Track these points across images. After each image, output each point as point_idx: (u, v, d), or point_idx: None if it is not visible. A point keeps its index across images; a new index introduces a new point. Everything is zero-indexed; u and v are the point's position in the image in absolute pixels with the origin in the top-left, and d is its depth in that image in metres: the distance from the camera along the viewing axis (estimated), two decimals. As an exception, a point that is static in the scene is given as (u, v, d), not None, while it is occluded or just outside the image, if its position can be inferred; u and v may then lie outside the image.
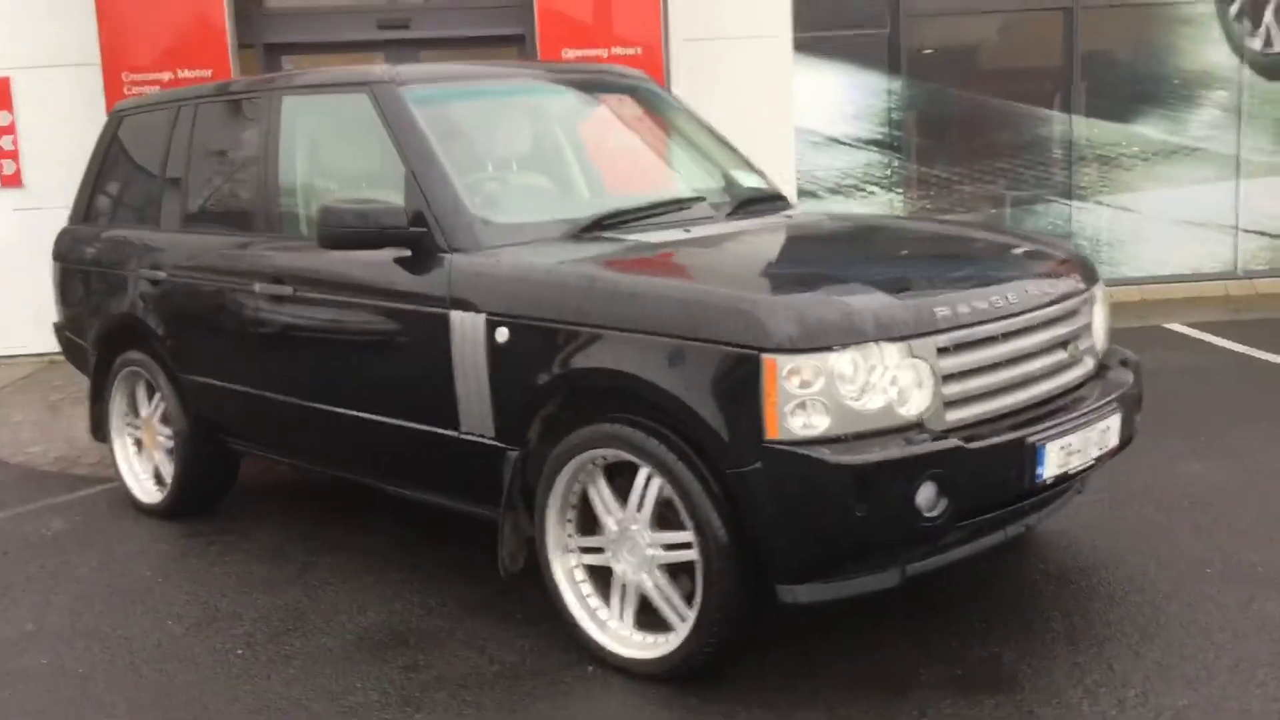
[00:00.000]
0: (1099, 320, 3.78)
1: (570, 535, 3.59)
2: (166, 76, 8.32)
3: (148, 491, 5.27)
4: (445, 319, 3.75)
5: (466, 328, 3.69)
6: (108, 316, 5.26)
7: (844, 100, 9.36)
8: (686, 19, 8.72)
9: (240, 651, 3.78)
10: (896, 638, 3.61)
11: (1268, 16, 9.38)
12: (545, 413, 3.57)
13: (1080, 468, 3.40)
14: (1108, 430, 3.50)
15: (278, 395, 4.42)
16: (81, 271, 5.51)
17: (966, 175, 9.53)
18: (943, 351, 3.16)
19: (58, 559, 4.74)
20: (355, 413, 4.11)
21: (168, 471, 5.15)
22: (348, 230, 3.84)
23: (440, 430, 3.84)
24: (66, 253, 5.63)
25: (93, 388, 5.46)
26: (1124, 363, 3.89)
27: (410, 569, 4.36)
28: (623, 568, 3.45)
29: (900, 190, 9.55)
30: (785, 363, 3.02)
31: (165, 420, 5.10)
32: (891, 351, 3.08)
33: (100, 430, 5.52)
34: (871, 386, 3.07)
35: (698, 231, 3.99)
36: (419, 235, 3.84)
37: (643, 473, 3.34)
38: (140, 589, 4.35)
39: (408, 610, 4.02)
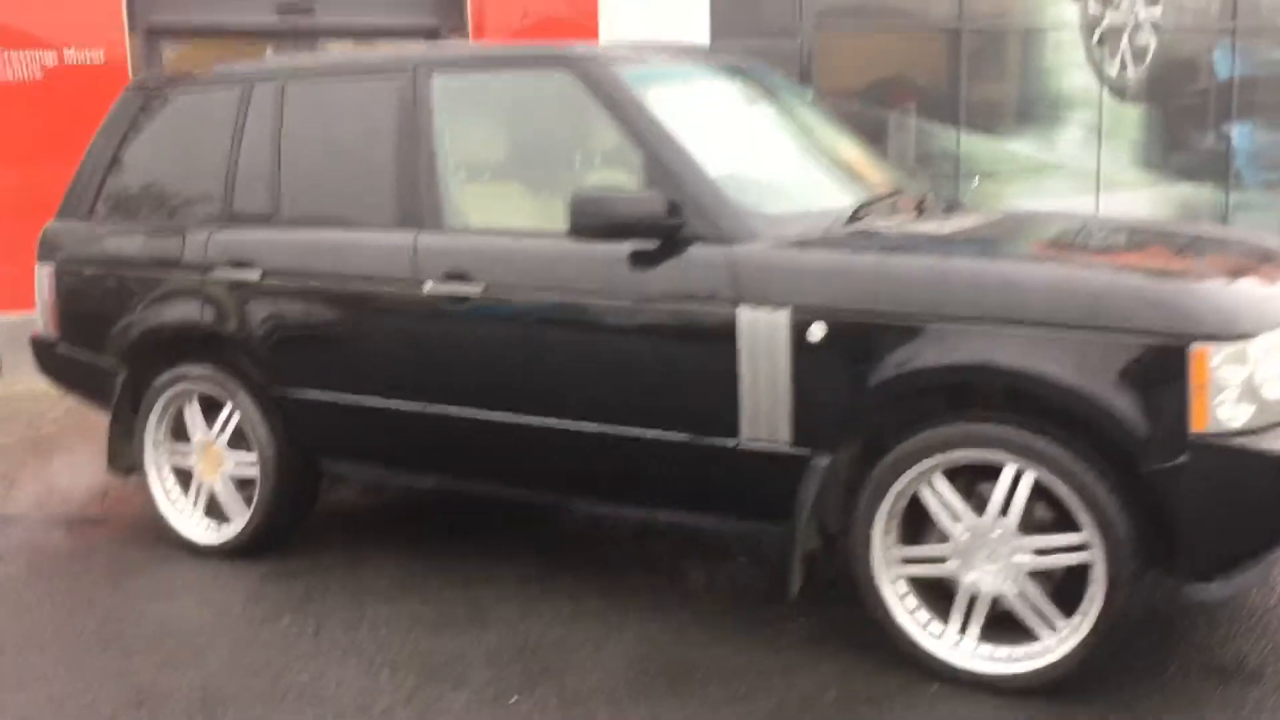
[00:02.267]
0: None
1: (893, 546, 3.33)
2: (50, 57, 7.27)
3: (203, 529, 4.52)
4: (726, 317, 3.40)
5: (760, 326, 3.36)
6: (150, 327, 4.47)
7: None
8: (615, 18, 8.47)
9: (515, 698, 3.28)
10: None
11: (1123, 43, 10.13)
12: (872, 414, 3.30)
13: None
14: None
15: (450, 409, 3.88)
16: (95, 275, 4.67)
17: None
18: None
19: (163, 636, 3.97)
20: (575, 424, 3.67)
21: (232, 503, 4.43)
22: (604, 219, 3.44)
23: (708, 440, 3.48)
24: (66, 253, 4.76)
25: (114, 410, 4.63)
26: None
27: (603, 595, 3.93)
28: (975, 577, 3.22)
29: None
30: (1216, 351, 2.91)
31: (237, 443, 4.40)
32: None
33: (120, 460, 4.69)
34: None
35: (957, 222, 3.83)
36: (675, 226, 3.48)
37: (1008, 473, 3.13)
38: (286, 661, 3.69)
39: (661, 639, 3.61)
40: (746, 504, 3.53)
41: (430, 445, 4.02)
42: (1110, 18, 10.06)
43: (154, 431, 4.58)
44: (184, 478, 4.59)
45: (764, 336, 3.36)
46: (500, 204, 3.98)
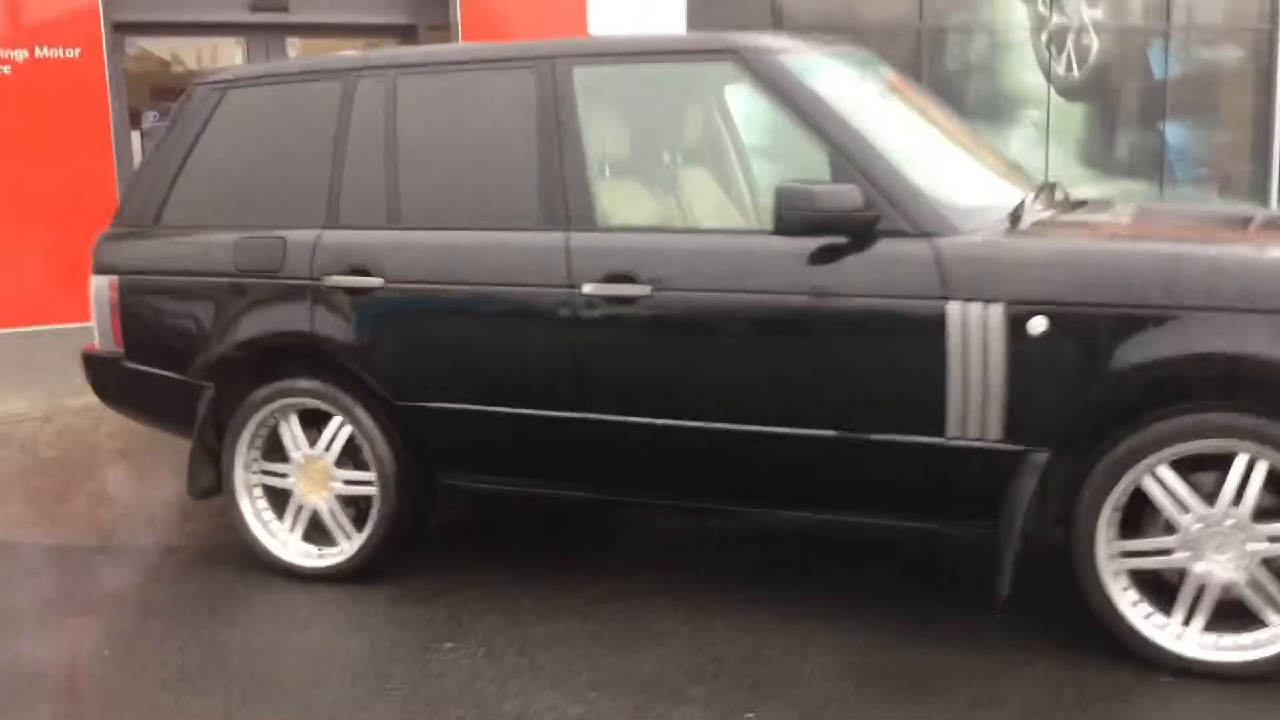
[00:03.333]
0: None
1: (1113, 540, 3.30)
2: (21, 55, 6.78)
3: (302, 552, 4.23)
4: (932, 312, 3.33)
5: (972, 320, 3.29)
6: (245, 339, 4.17)
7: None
8: (603, 14, 8.33)
9: (750, 715, 3.14)
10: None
11: (1069, 44, 10.42)
12: (1099, 408, 3.26)
13: None
14: None
15: (612, 416, 3.70)
16: (170, 285, 4.34)
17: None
18: None
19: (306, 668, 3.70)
20: (756, 428, 3.54)
21: (339, 525, 4.17)
22: (810, 214, 3.33)
23: (910, 438, 3.40)
24: (131, 263, 4.41)
25: (199, 429, 4.30)
26: None
27: (772, 602, 3.81)
28: (1206, 567, 3.22)
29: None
30: None
31: (348, 460, 4.13)
32: None
33: (200, 483, 4.37)
34: None
35: (1125, 212, 3.83)
36: (871, 220, 3.39)
37: (1241, 461, 3.14)
38: (480, 688, 3.44)
39: (862, 645, 3.51)
40: (948, 504, 3.46)
41: (584, 455, 3.83)
42: (1057, 19, 10.33)
43: (245, 451, 4.27)
44: (276, 499, 4.30)
45: (976, 331, 3.29)
46: (656, 201, 3.83)
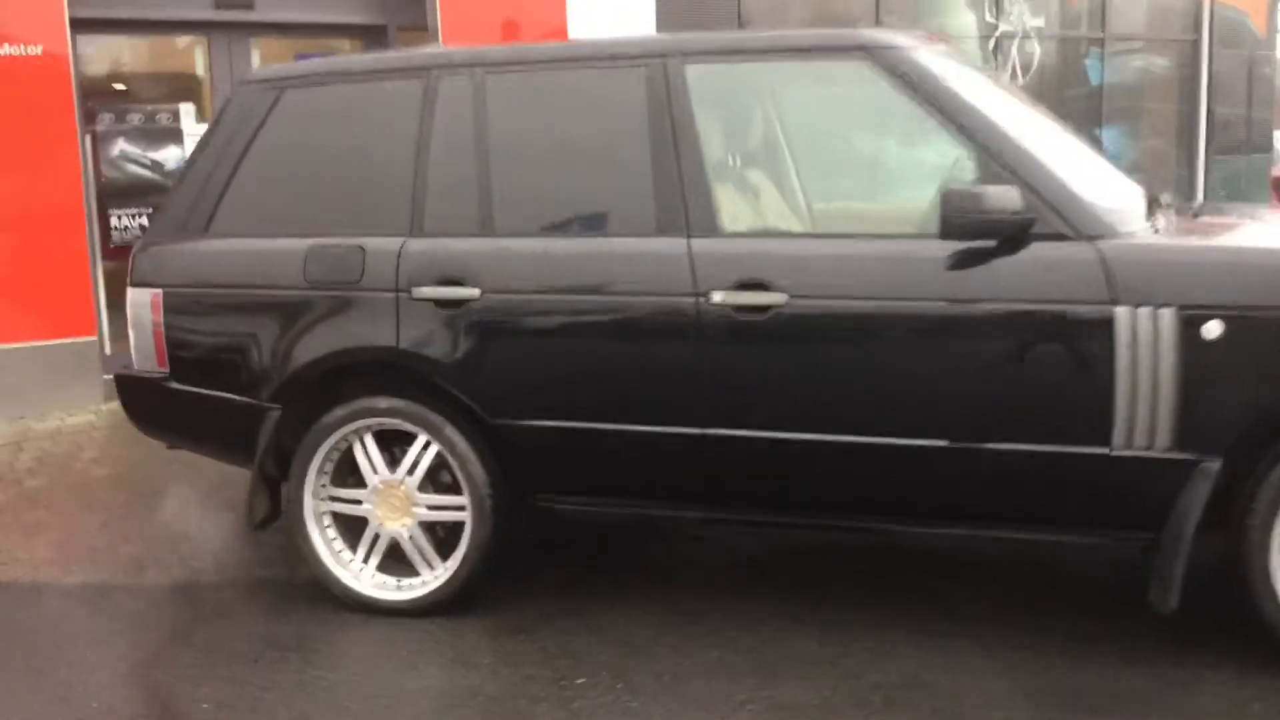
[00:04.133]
0: None
1: (1285, 553, 3.24)
2: (-20, 51, 6.26)
3: (378, 584, 3.93)
4: (1101, 317, 3.22)
5: (1142, 325, 3.19)
6: (319, 356, 3.86)
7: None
8: (582, 16, 8.11)
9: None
10: None
11: (1013, 51, 10.56)
12: (1275, 413, 3.19)
13: None
14: None
15: (743, 431, 3.51)
16: (226, 299, 4.00)
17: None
18: None
19: None
20: (908, 441, 3.38)
21: (423, 553, 3.88)
22: (977, 217, 3.20)
23: (1072, 449, 3.28)
24: (179, 275, 4.05)
25: (261, 455, 3.96)
26: None
27: (912, 625, 3.65)
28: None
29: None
30: None
31: (427, 483, 3.85)
32: None
33: (257, 513, 4.03)
34: None
35: (1237, 214, 3.79)
36: (1028, 222, 3.27)
37: None
38: None
39: (1033, 666, 3.36)
40: (1112, 517, 3.35)
41: (707, 473, 3.62)
42: (1003, 27, 10.47)
43: (315, 477, 3.95)
44: (346, 528, 3.99)
45: (1146, 336, 3.19)
46: (781, 204, 3.66)
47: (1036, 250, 3.28)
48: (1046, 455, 3.31)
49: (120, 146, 7.42)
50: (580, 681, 3.38)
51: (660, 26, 8.63)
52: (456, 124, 3.82)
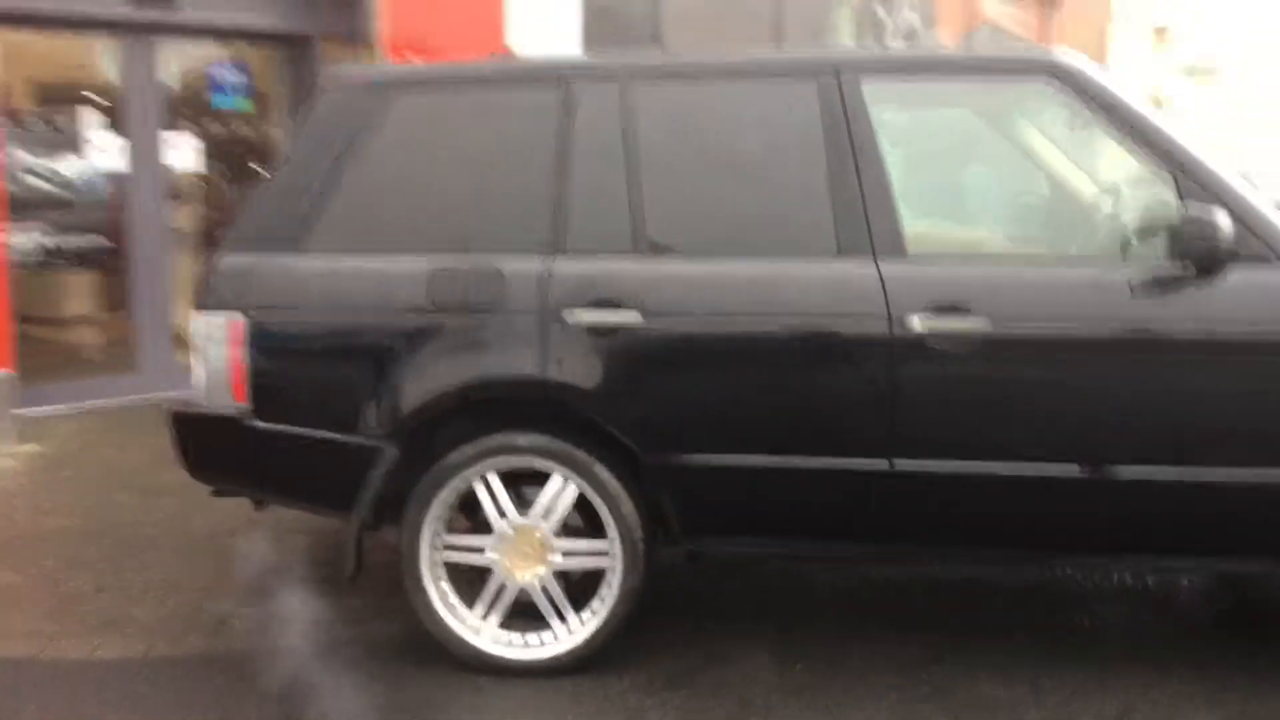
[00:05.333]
0: None
1: None
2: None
3: (501, 641, 3.55)
4: (1305, 341, 3.22)
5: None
6: (451, 389, 3.45)
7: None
8: (520, 28, 7.80)
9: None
10: None
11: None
12: None
13: None
14: None
15: (949, 464, 3.32)
16: (330, 324, 3.55)
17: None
18: None
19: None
20: (1137, 470, 3.25)
21: (558, 603, 3.53)
22: (1210, 243, 3.14)
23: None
24: (268, 297, 3.57)
25: (369, 501, 3.51)
26: None
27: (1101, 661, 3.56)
28: None
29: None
30: None
31: (566, 528, 3.52)
32: None
33: (352, 565, 3.58)
34: None
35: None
36: (1235, 249, 3.24)
37: None
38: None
39: (1253, 697, 3.31)
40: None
41: (892, 509, 3.42)
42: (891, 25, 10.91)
43: (433, 524, 3.54)
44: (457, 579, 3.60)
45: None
46: (969, 226, 3.52)
47: (1244, 274, 3.25)
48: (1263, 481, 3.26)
49: (13, 154, 6.60)
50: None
51: (586, 42, 8.42)
52: (602, 136, 3.51)
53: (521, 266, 3.46)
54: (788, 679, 3.48)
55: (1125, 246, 3.41)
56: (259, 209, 3.66)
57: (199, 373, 3.62)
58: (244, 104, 7.50)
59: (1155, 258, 3.28)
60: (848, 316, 3.34)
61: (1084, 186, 3.62)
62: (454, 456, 3.49)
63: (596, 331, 3.41)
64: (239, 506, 4.10)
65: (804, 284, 3.38)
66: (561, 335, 3.42)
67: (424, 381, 3.47)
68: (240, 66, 7.38)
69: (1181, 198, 3.30)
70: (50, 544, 4.70)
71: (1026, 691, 3.38)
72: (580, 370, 3.42)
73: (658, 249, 3.45)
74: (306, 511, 3.87)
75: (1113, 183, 3.56)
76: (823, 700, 3.35)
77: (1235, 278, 3.25)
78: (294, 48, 7.30)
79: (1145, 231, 3.42)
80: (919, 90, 3.56)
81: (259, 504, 4.08)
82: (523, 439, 3.48)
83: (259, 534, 4.73)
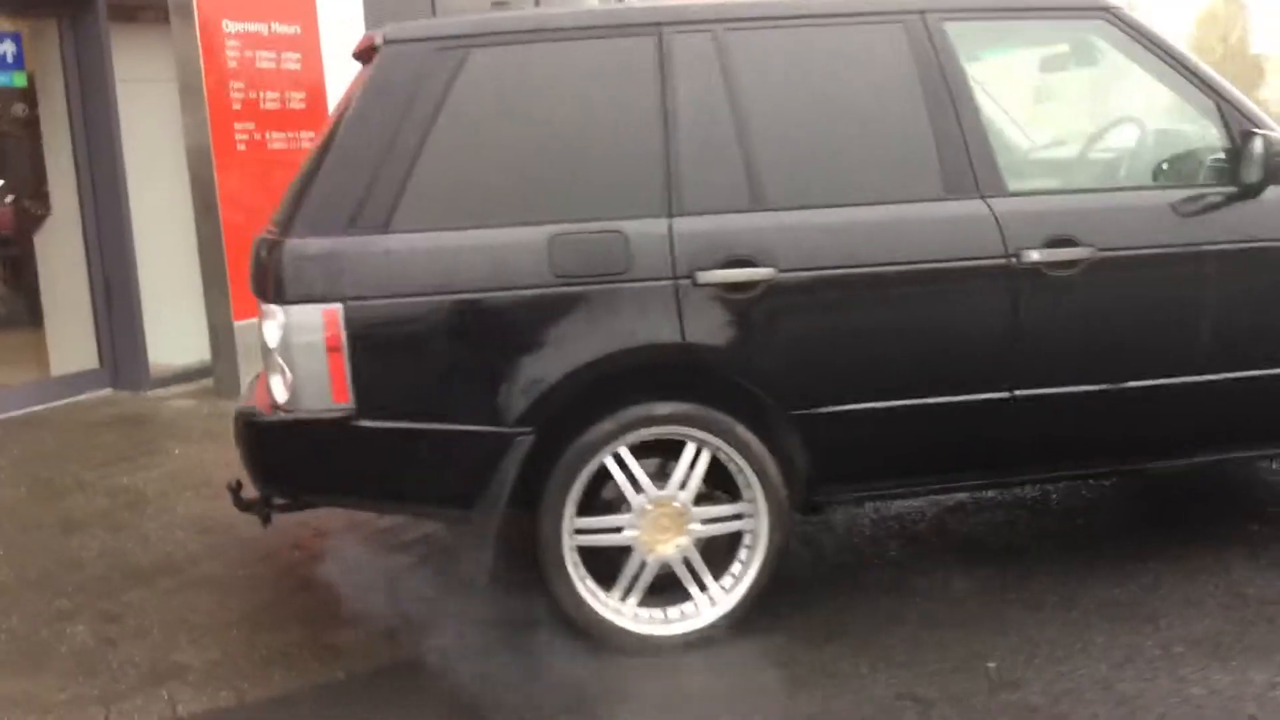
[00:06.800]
0: None
1: None
2: None
3: (644, 618, 3.43)
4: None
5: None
6: (587, 364, 3.25)
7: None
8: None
9: None
10: None
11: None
12: None
13: None
14: None
15: (1045, 390, 3.50)
16: (453, 308, 3.24)
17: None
18: None
19: None
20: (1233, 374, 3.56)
21: (698, 574, 3.44)
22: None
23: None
24: (371, 283, 3.20)
25: (499, 497, 3.24)
26: None
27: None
28: None
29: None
30: None
31: (705, 495, 3.43)
32: None
33: (488, 565, 3.33)
34: None
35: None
36: None
37: None
38: None
39: None
40: None
41: (1013, 437, 3.57)
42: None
43: (571, 509, 3.35)
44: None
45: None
46: (1059, 159, 3.68)
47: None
48: None
49: None
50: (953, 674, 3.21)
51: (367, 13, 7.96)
52: (702, 87, 3.40)
53: (644, 229, 3.31)
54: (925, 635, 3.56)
55: (1192, 171, 3.69)
56: (326, 184, 3.27)
57: (283, 375, 3.21)
58: (16, 78, 6.56)
59: (1209, 180, 3.60)
60: (971, 257, 3.44)
61: (1144, 116, 3.88)
62: (591, 434, 3.31)
63: (732, 290, 3.32)
64: (185, 531, 4.07)
65: (925, 227, 3.44)
66: (695, 297, 3.30)
67: (557, 358, 3.26)
68: (10, 36, 6.44)
69: (1227, 126, 3.63)
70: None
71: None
72: (718, 331, 3.33)
73: (775, 202, 3.40)
74: (413, 515, 3.54)
75: (1164, 111, 3.84)
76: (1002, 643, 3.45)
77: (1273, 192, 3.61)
78: (74, 15, 6.45)
79: (1197, 157, 3.72)
80: (994, 31, 3.70)
81: (267, 519, 3.70)
82: (664, 408, 3.34)
83: (273, 554, 4.25)
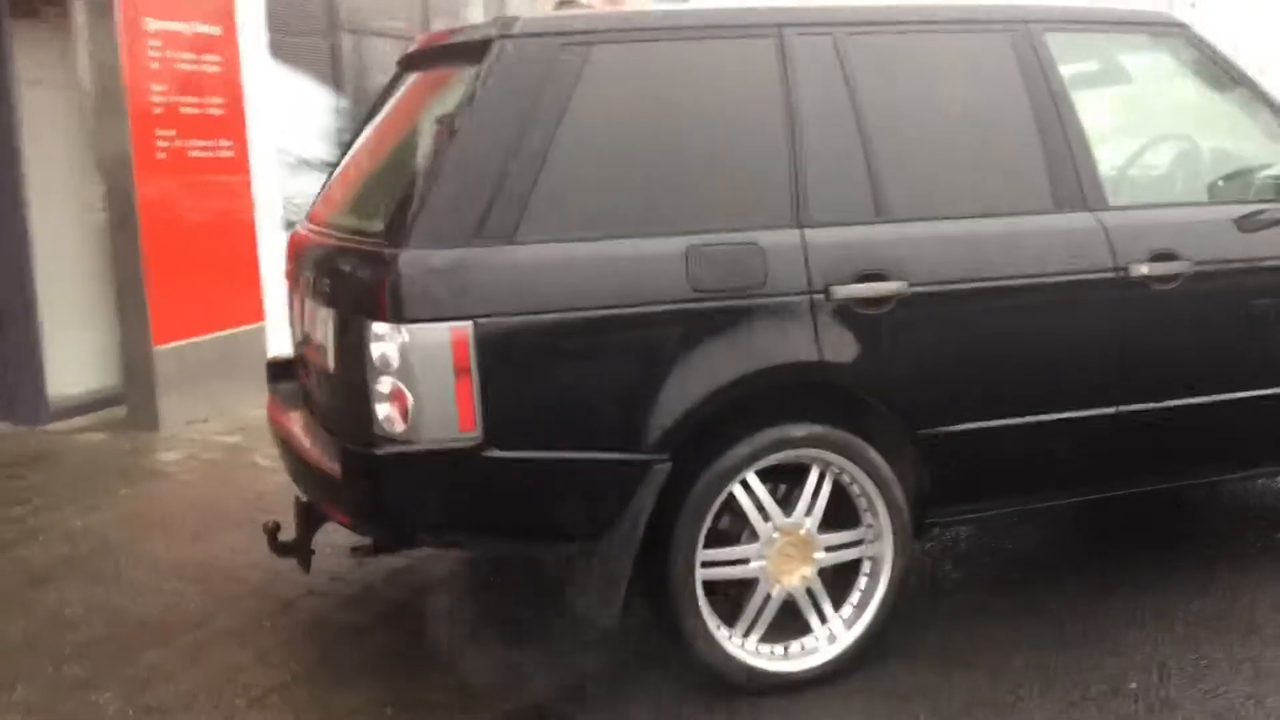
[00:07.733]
0: None
1: None
2: None
3: (764, 655, 3.22)
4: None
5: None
6: (724, 385, 3.03)
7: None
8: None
9: None
10: None
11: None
12: None
13: None
14: None
15: (1148, 405, 3.48)
16: (589, 326, 2.97)
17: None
18: None
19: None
20: None
21: (820, 605, 3.27)
22: None
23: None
24: (502, 300, 2.90)
25: (635, 530, 3.00)
26: None
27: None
28: None
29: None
30: None
31: (830, 521, 3.27)
32: None
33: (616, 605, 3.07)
34: None
35: None
36: None
37: None
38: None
39: None
40: None
41: (1124, 451, 3.55)
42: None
43: (700, 540, 3.12)
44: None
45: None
46: (1152, 173, 3.68)
47: None
48: None
49: None
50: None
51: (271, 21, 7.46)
52: (824, 92, 3.25)
53: (779, 240, 3.13)
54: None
55: (1264, 186, 3.76)
56: (444, 191, 2.95)
57: (400, 402, 2.87)
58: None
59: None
60: (1085, 270, 3.40)
61: (1218, 131, 3.93)
62: (725, 460, 3.09)
63: (865, 305, 3.17)
64: (176, 579, 3.80)
65: (1043, 240, 3.38)
66: (829, 312, 3.14)
67: (696, 379, 3.03)
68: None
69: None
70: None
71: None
72: (851, 348, 3.17)
73: (898, 212, 3.27)
74: (530, 553, 3.22)
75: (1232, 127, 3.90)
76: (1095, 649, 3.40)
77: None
78: None
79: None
80: (1086, 43, 3.67)
81: (307, 565, 3.37)
82: (799, 430, 3.16)
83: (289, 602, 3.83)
